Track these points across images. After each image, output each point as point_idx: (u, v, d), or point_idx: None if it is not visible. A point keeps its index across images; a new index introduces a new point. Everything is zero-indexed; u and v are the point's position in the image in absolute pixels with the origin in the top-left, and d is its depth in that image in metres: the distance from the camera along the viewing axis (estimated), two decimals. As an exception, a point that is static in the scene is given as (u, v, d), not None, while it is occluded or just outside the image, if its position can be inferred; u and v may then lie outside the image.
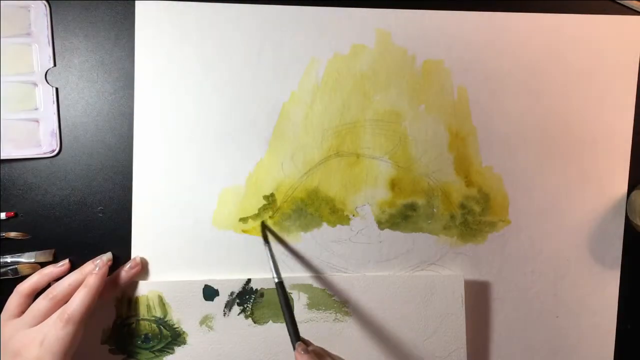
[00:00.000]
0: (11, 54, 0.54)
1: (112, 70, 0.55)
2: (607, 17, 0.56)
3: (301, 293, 0.56)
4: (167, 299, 0.55)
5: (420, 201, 0.56)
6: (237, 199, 0.56)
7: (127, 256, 0.56)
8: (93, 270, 0.52)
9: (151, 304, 0.55)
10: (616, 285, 0.57)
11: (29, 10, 0.54)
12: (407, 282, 0.56)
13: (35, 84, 0.55)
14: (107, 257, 0.54)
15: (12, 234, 0.55)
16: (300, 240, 0.56)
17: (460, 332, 0.56)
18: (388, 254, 0.56)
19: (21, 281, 0.53)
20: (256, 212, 0.56)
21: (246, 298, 0.56)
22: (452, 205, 0.56)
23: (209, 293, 0.56)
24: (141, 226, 0.55)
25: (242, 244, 0.56)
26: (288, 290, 0.56)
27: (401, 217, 0.56)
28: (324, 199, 0.56)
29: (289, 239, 0.56)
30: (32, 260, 0.55)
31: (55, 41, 0.55)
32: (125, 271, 0.54)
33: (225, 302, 0.56)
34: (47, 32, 0.55)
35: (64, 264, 0.54)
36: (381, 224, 0.56)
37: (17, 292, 0.52)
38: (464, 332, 0.56)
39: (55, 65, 0.55)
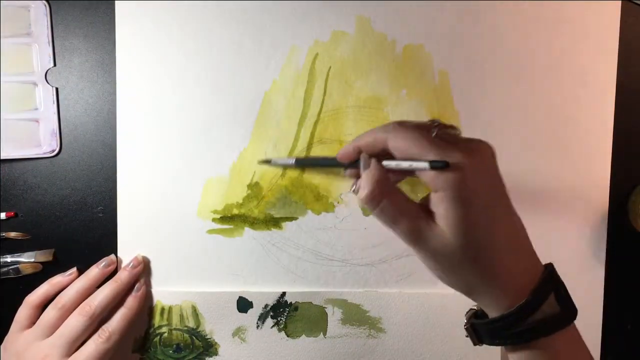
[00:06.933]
0: (11, 54, 0.55)
1: (112, 70, 0.55)
2: (586, 2, 0.55)
3: (335, 308, 0.56)
4: (200, 310, 0.56)
5: (404, 187, 0.54)
6: (221, 189, 0.56)
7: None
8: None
9: (184, 314, 0.56)
10: (602, 267, 0.56)
11: (29, 10, 0.55)
12: (443, 300, 0.55)
13: (35, 84, 0.55)
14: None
15: (12, 234, 0.56)
16: (286, 228, 0.56)
17: (495, 352, 0.55)
18: (373, 240, 0.56)
19: (22, 280, 0.54)
20: (241, 201, 0.56)
21: (280, 311, 0.56)
22: (436, 190, 0.55)
23: (243, 305, 0.56)
24: (126, 218, 0.56)
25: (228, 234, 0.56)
26: (322, 304, 0.56)
27: (385, 203, 0.55)
28: (308, 187, 0.55)
29: (274, 227, 0.56)
30: (32, 259, 0.55)
31: (55, 41, 0.55)
32: (128, 271, 0.54)
33: (259, 314, 0.56)
34: (47, 32, 0.55)
35: (72, 272, 0.54)
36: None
37: (27, 303, 0.52)
38: (499, 352, 0.55)
39: (55, 65, 0.56)
